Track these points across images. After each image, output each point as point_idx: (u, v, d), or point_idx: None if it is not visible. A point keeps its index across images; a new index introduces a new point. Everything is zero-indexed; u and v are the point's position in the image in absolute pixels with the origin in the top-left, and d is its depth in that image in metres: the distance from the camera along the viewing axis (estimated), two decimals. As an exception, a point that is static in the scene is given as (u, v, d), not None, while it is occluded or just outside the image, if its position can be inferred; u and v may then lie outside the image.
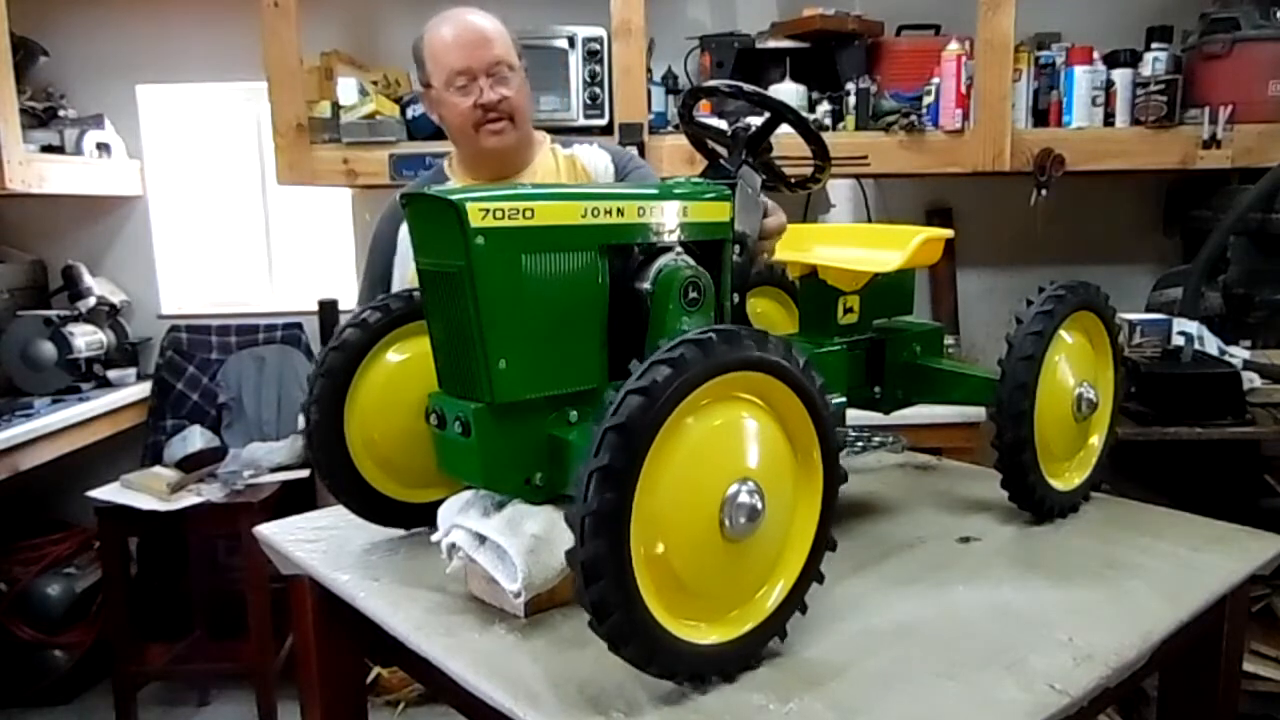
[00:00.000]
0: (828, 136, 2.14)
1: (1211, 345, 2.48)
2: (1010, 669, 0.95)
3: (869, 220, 3.37)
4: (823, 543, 1.00)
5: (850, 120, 2.89)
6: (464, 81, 1.75)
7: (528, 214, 1.03)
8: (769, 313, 1.60)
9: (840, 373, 1.35)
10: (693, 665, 0.90)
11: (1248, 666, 2.25)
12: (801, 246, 1.47)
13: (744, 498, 0.90)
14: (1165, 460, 2.32)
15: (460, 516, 1.12)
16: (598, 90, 2.91)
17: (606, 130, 2.92)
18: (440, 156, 2.90)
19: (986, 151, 2.82)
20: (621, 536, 0.83)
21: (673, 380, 0.85)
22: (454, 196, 1.00)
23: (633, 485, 0.83)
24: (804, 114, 1.90)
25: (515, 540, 1.04)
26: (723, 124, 2.19)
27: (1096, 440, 1.41)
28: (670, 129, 2.98)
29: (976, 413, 1.38)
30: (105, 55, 3.45)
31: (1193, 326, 2.51)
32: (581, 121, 2.91)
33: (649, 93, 2.93)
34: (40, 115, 3.26)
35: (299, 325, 3.50)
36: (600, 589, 0.82)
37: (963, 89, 2.80)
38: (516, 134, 1.80)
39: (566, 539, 0.84)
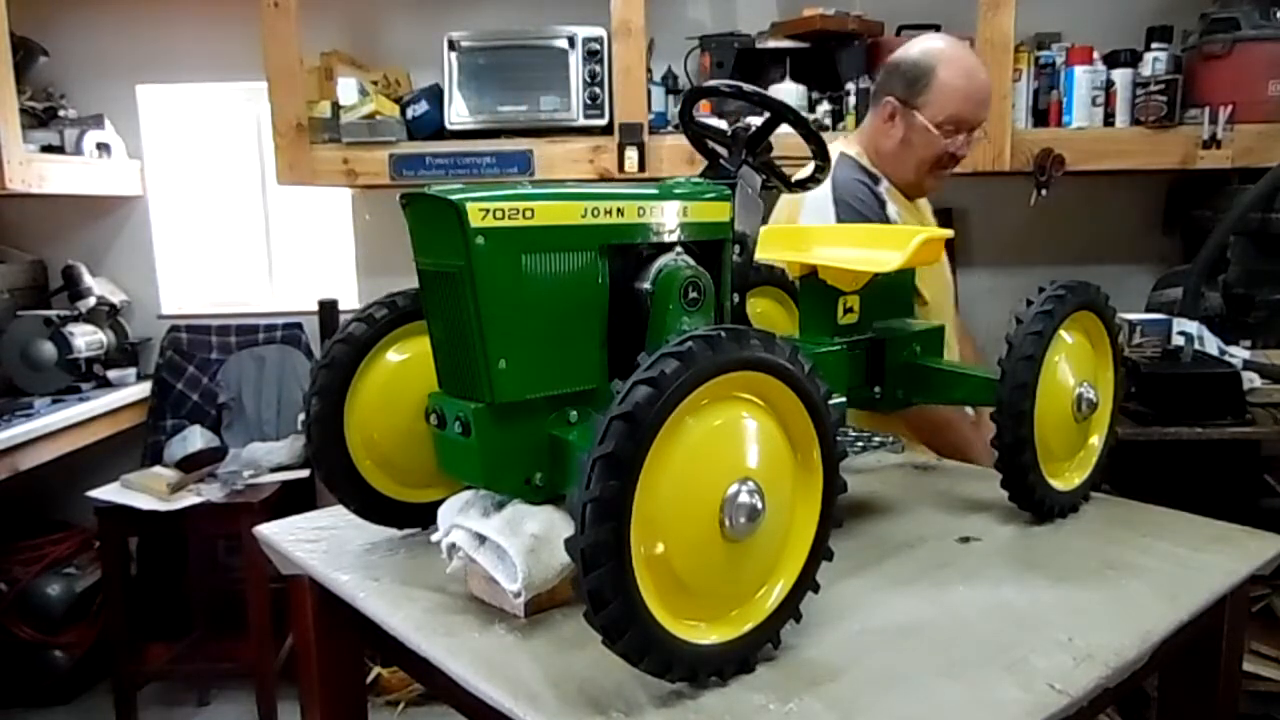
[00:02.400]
0: (828, 136, 2.14)
1: (1211, 345, 2.49)
2: (1010, 669, 0.95)
3: (869, 220, 3.36)
4: (822, 543, 1.00)
5: (850, 120, 2.89)
6: (954, 130, 1.87)
7: (528, 214, 1.03)
8: (769, 313, 1.60)
9: (840, 373, 1.35)
10: (690, 664, 0.90)
11: (1248, 666, 2.25)
12: (801, 246, 1.47)
13: (744, 498, 0.89)
14: (1165, 460, 2.31)
15: (460, 516, 1.11)
16: (598, 90, 2.91)
17: (607, 130, 2.92)
18: (439, 156, 2.95)
19: (986, 151, 2.81)
20: (622, 525, 0.83)
21: (680, 373, 0.85)
22: (454, 196, 1.00)
23: (636, 474, 0.83)
24: (804, 114, 1.90)
25: (515, 540, 1.05)
26: (723, 124, 2.20)
27: (1096, 440, 1.41)
28: (670, 129, 2.98)
29: (976, 413, 1.39)
30: (105, 55, 3.45)
31: (1193, 326, 2.51)
32: (581, 121, 2.92)
33: (649, 93, 2.94)
34: (40, 115, 3.26)
35: (299, 325, 3.51)
36: (599, 577, 0.82)
37: (963, 89, 2.79)
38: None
39: (566, 538, 0.84)
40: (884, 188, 1.92)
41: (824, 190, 1.81)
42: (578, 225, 1.08)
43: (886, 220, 1.86)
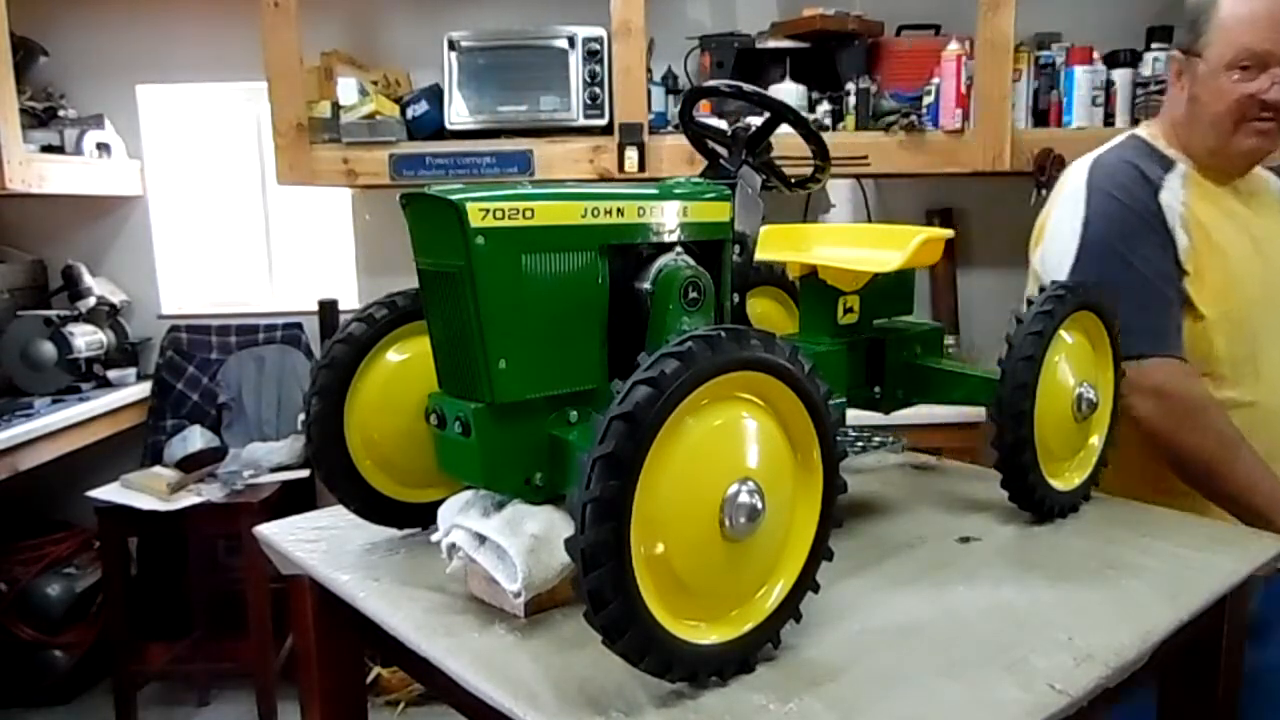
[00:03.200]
0: (828, 136, 2.14)
1: (1212, 345, 2.48)
2: (1010, 669, 0.95)
3: (869, 220, 3.37)
4: (822, 543, 1.00)
5: (850, 120, 2.89)
6: (1250, 64, 1.51)
7: (528, 214, 1.03)
8: (769, 313, 1.60)
9: (840, 373, 1.35)
10: (690, 664, 0.90)
11: (1248, 666, 2.24)
12: (801, 246, 1.47)
13: (744, 498, 0.89)
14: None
15: (460, 516, 1.12)
16: (598, 90, 2.91)
17: (607, 130, 2.92)
18: (439, 156, 2.95)
19: (986, 151, 2.82)
20: (622, 525, 0.83)
21: (680, 373, 0.85)
22: (454, 196, 1.00)
23: (636, 474, 0.83)
24: (804, 114, 1.90)
25: (515, 540, 1.05)
26: (723, 124, 2.20)
27: (1096, 440, 1.41)
28: (670, 129, 2.98)
29: (976, 413, 1.38)
30: (105, 55, 3.45)
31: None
32: (581, 121, 2.92)
33: (649, 93, 2.94)
34: (40, 115, 3.26)
35: (299, 325, 3.51)
36: (599, 577, 0.82)
37: (963, 89, 2.80)
38: (1276, 141, 1.59)
39: (566, 538, 0.84)
40: (1179, 173, 1.59)
41: (1080, 178, 1.61)
42: (578, 225, 1.08)
43: (1154, 210, 1.55)
